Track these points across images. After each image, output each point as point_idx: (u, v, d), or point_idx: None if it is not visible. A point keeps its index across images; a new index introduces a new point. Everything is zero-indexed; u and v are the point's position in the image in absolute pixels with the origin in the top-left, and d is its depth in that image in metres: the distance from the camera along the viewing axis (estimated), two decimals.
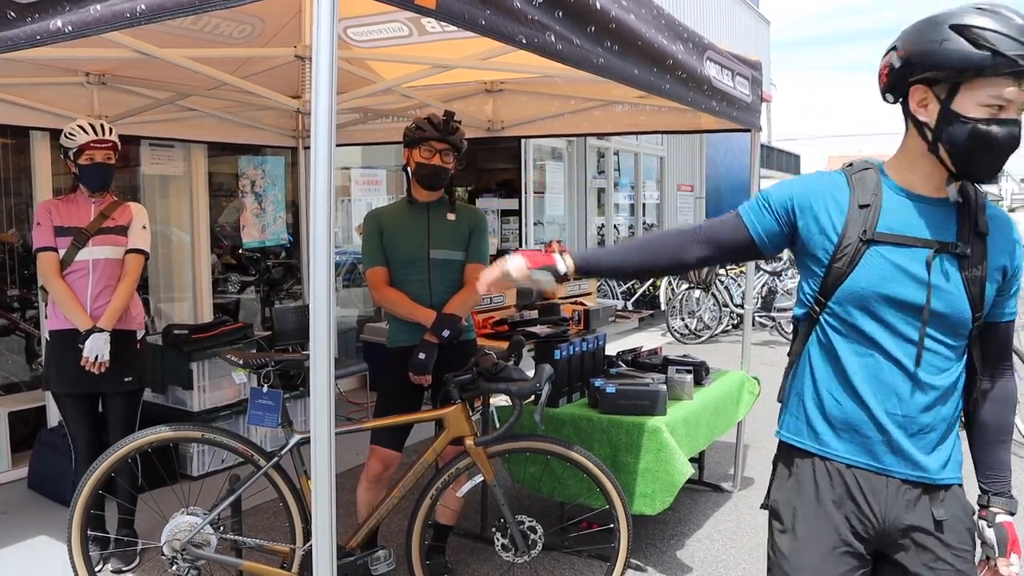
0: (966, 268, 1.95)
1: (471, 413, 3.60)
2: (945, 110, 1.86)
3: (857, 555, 2.03)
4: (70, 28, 2.50)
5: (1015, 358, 2.29)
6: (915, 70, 1.89)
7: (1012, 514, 2.00)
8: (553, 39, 2.77)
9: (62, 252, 4.14)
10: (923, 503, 2.00)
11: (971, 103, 1.84)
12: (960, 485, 2.04)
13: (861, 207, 1.99)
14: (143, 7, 2.32)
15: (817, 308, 2.05)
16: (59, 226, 4.15)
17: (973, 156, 1.87)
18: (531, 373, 3.57)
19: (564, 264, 2.28)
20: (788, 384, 2.18)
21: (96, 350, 4.05)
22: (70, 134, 4.11)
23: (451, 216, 3.98)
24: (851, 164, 2.11)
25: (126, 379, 4.25)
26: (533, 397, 3.44)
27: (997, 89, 1.81)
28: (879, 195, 1.99)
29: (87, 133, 4.09)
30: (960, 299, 1.95)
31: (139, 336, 4.37)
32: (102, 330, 4.08)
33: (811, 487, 2.07)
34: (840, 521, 2.02)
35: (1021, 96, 1.82)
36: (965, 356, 2.03)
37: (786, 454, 2.17)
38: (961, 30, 1.81)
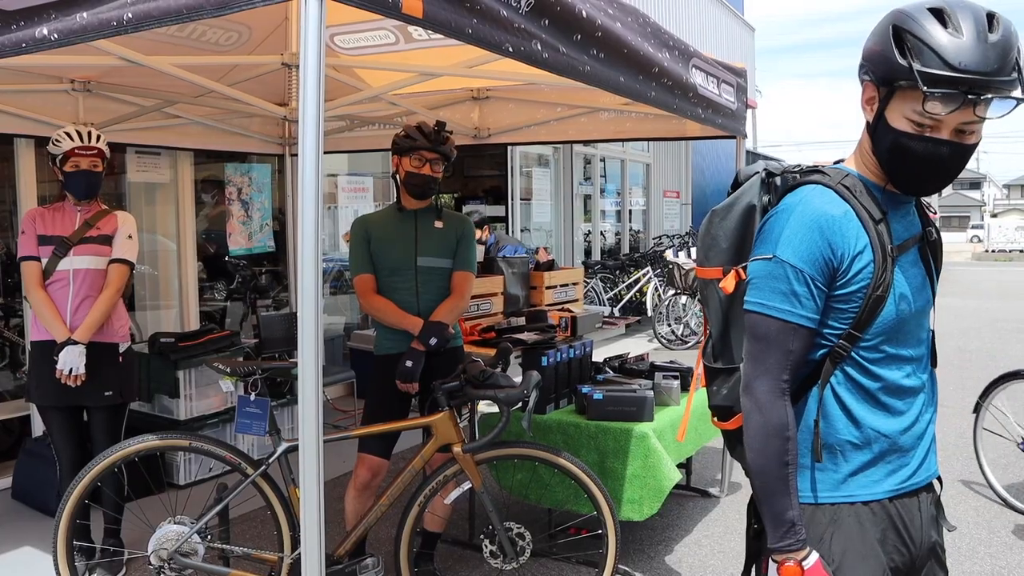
0: (928, 261, 1.90)
1: (459, 420, 3.60)
2: (879, 114, 1.76)
3: None
4: (56, 36, 2.50)
5: None
6: (864, 66, 1.79)
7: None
8: (539, 47, 2.78)
9: (44, 261, 4.09)
10: (934, 515, 1.94)
11: (898, 113, 1.72)
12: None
13: (877, 222, 1.81)
14: (130, 15, 2.32)
15: (848, 344, 1.83)
16: (42, 235, 4.11)
17: (895, 168, 1.78)
18: (519, 380, 3.58)
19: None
20: (814, 438, 1.86)
21: (70, 363, 3.97)
22: (56, 141, 4.08)
23: (439, 223, 3.99)
24: (818, 171, 1.90)
25: (107, 393, 4.18)
26: (520, 404, 3.45)
27: (924, 105, 1.67)
28: (876, 202, 1.84)
29: (72, 140, 4.06)
30: (928, 294, 1.89)
31: (122, 349, 4.29)
32: (77, 342, 4.00)
33: (856, 529, 1.86)
34: (885, 559, 1.85)
35: (959, 118, 1.67)
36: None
37: (822, 514, 1.88)
38: (898, 33, 1.69)
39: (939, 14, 1.67)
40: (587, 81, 3.16)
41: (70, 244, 4.11)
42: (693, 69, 4.18)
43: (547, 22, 2.80)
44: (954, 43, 1.63)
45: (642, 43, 3.51)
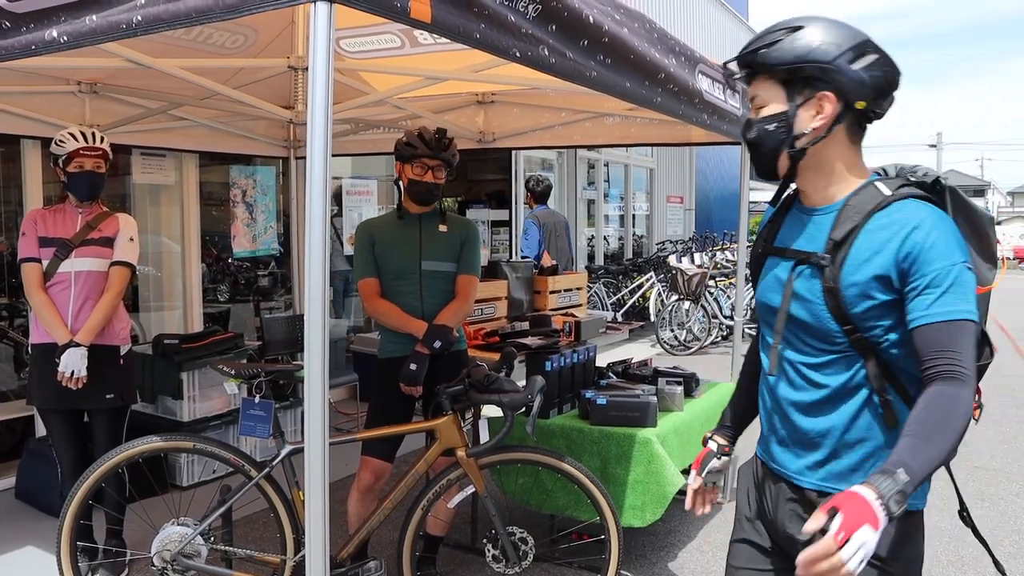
0: (824, 279, 1.93)
1: (462, 424, 3.61)
2: None
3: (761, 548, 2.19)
4: (66, 38, 2.50)
5: None
6: None
7: (873, 490, 1.65)
8: (546, 52, 2.79)
9: (45, 263, 4.08)
10: (804, 516, 1.96)
11: None
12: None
13: (769, 223, 2.16)
14: (139, 18, 2.32)
15: None
16: (44, 236, 4.10)
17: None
18: (522, 384, 3.58)
19: (714, 446, 2.45)
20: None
21: (72, 365, 3.96)
22: (60, 141, 4.08)
23: (443, 227, 4.00)
24: None
25: (108, 396, 4.17)
26: (525, 408, 3.45)
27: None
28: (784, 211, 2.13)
29: (76, 140, 4.06)
30: (820, 309, 1.94)
31: (123, 351, 4.28)
32: (79, 345, 4.00)
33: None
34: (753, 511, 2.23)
35: (753, 90, 1.99)
36: (860, 367, 1.93)
37: None
38: None
39: None
40: (593, 86, 3.16)
41: (72, 246, 4.11)
42: (699, 75, 4.18)
43: (554, 27, 2.80)
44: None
45: (648, 48, 3.51)
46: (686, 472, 4.61)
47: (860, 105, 1.89)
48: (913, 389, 1.91)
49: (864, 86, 1.87)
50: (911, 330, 1.83)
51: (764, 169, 2.01)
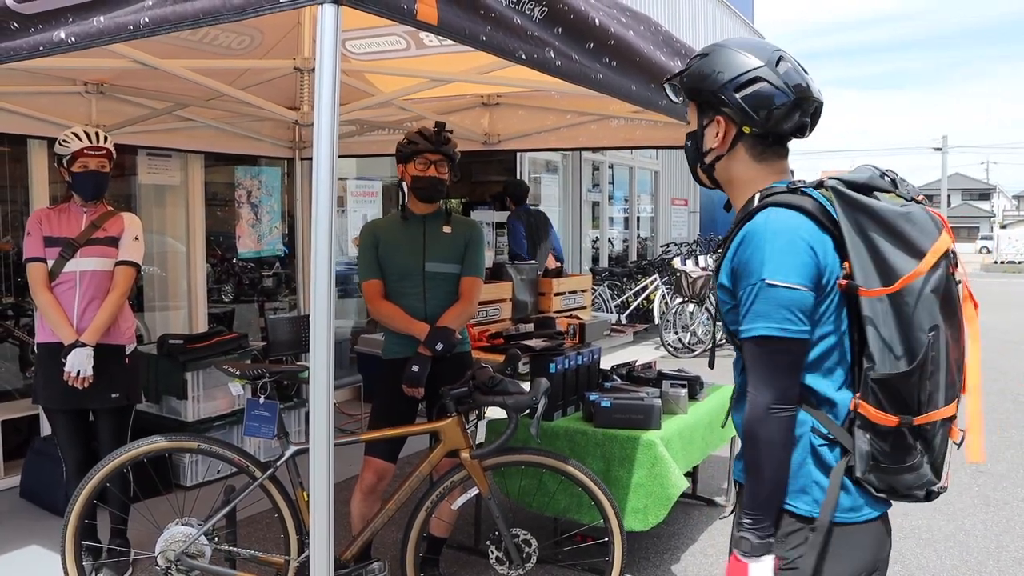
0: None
1: (466, 426, 3.61)
2: None
3: None
4: (73, 39, 2.51)
5: None
6: None
7: (736, 549, 1.92)
8: (552, 55, 2.79)
9: (51, 263, 4.09)
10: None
11: None
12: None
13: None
14: (147, 19, 2.33)
15: None
16: (49, 236, 4.11)
17: None
18: (526, 386, 3.58)
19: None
20: None
21: (78, 365, 3.97)
22: (64, 141, 4.09)
23: (447, 229, 4.00)
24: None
25: (113, 395, 4.18)
26: (529, 410, 3.45)
27: None
28: None
29: (80, 140, 4.07)
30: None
31: (128, 351, 4.29)
32: (85, 344, 4.01)
33: None
34: None
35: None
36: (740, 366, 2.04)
37: None
38: None
39: None
40: (599, 89, 3.17)
41: (77, 246, 4.12)
42: None
43: (560, 30, 2.81)
44: None
45: (654, 51, 3.51)
46: (689, 475, 4.63)
47: (747, 130, 2.00)
48: None
49: (744, 113, 1.97)
50: None
51: (694, 177, 2.19)
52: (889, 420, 1.84)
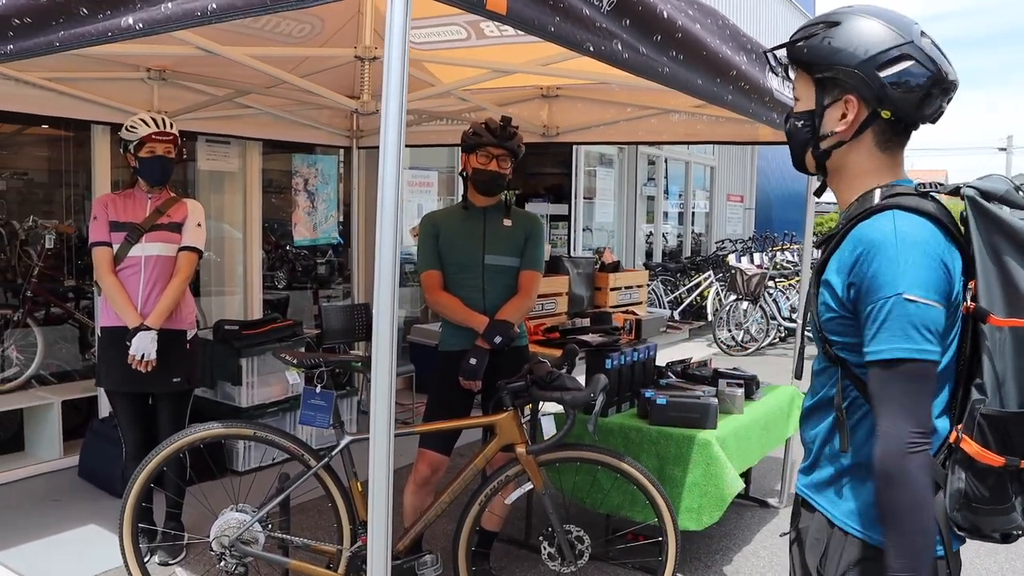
0: (812, 286, 1.87)
1: (522, 421, 3.58)
2: None
3: None
4: (141, 25, 2.51)
5: None
6: None
7: None
8: (619, 47, 2.74)
9: (116, 247, 4.14)
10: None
11: None
12: (839, 529, 1.82)
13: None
14: (214, 6, 2.32)
15: None
16: (114, 221, 4.16)
17: None
18: (582, 380, 3.54)
19: None
20: None
21: (142, 349, 4.02)
22: (131, 127, 4.13)
23: (507, 222, 3.97)
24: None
25: (175, 379, 4.23)
26: (586, 407, 3.41)
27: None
28: None
29: (148, 126, 4.11)
30: (814, 316, 1.85)
31: (189, 336, 4.34)
32: (149, 328, 4.06)
33: None
34: None
35: (795, 82, 1.90)
36: (836, 377, 1.81)
37: None
38: None
39: None
40: (665, 83, 3.11)
41: (142, 231, 4.16)
42: (769, 72, 4.11)
43: (628, 22, 2.75)
44: None
45: (721, 45, 3.45)
46: (743, 476, 4.56)
47: (885, 114, 1.76)
48: None
49: (889, 96, 1.73)
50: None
51: (796, 163, 1.94)
52: (994, 460, 1.63)
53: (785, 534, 1.93)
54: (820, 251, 1.86)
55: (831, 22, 1.78)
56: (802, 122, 1.85)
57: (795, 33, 1.87)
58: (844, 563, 1.79)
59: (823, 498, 1.86)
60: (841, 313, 1.76)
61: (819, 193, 2.06)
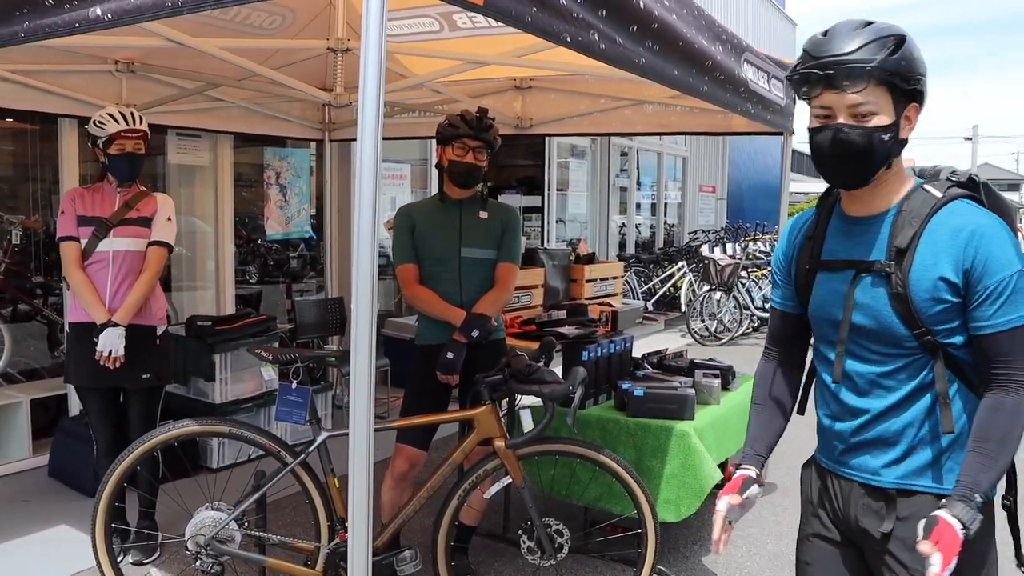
0: (890, 286, 1.95)
1: (500, 414, 3.56)
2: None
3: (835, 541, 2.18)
4: (110, 16, 2.47)
5: None
6: None
7: (958, 520, 1.81)
8: (596, 38, 2.73)
9: (84, 242, 4.07)
10: (881, 512, 2.04)
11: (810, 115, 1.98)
12: (940, 496, 1.96)
13: (808, 239, 2.14)
14: None
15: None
16: (82, 215, 4.09)
17: (820, 164, 1.97)
18: (559, 372, 3.53)
19: (753, 474, 2.26)
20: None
21: (110, 345, 3.96)
22: (99, 123, 4.06)
23: (483, 214, 3.94)
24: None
25: (144, 376, 4.17)
26: (564, 399, 3.40)
27: (817, 99, 1.92)
28: (824, 224, 2.12)
29: (118, 122, 4.03)
30: (887, 315, 1.96)
31: (159, 332, 4.27)
32: (117, 324, 3.99)
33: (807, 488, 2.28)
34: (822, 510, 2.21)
35: (839, 100, 1.88)
36: (928, 368, 1.97)
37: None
38: None
39: (829, 28, 1.94)
40: (641, 73, 3.10)
41: (110, 225, 4.09)
42: (745, 64, 4.11)
43: (604, 12, 2.74)
44: (814, 41, 1.92)
45: (696, 36, 3.44)
46: (722, 466, 4.56)
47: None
48: (981, 386, 1.96)
49: (925, 96, 1.93)
50: (973, 337, 1.91)
51: (857, 181, 1.96)
52: None
53: (888, 532, 2.00)
54: (899, 256, 1.93)
55: (899, 35, 1.86)
56: (888, 135, 1.89)
57: (868, 47, 1.85)
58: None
59: (926, 479, 1.99)
60: (954, 301, 1.90)
61: (820, 207, 2.15)
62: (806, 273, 2.12)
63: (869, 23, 1.88)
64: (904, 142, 1.94)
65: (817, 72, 1.87)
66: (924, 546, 1.78)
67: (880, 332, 1.98)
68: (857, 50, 1.85)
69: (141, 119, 4.12)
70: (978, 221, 1.89)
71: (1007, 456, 1.88)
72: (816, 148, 1.94)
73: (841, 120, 1.88)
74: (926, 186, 1.96)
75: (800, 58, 1.93)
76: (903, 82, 1.86)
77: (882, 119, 1.88)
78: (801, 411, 2.37)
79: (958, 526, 1.79)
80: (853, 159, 1.91)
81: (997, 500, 2.03)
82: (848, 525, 2.13)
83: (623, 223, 14.16)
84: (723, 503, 2.20)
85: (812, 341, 2.22)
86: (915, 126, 1.94)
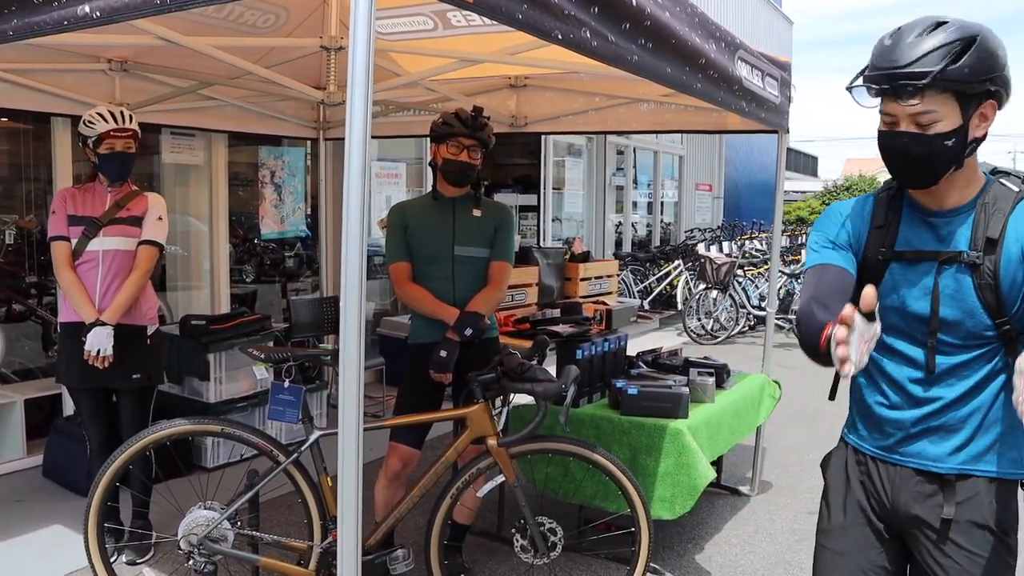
0: (978, 276, 1.98)
1: (493, 413, 3.55)
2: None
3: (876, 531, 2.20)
4: (98, 14, 2.46)
5: None
6: None
7: None
8: (588, 35, 2.72)
9: (74, 242, 4.06)
10: (936, 498, 2.08)
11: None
12: (1002, 481, 2.06)
13: (878, 228, 2.14)
14: None
15: None
16: (73, 215, 4.07)
17: (887, 165, 2.01)
18: (552, 371, 3.52)
19: None
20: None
21: (98, 344, 3.94)
22: (89, 122, 4.04)
23: (477, 212, 3.94)
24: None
25: (135, 376, 4.15)
26: (557, 398, 3.39)
27: (882, 105, 1.95)
28: (896, 214, 2.13)
29: (107, 121, 4.02)
30: (974, 306, 1.99)
31: (150, 332, 4.25)
32: (105, 324, 3.97)
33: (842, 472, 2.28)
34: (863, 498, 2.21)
35: (901, 109, 1.90)
36: (1000, 356, 2.03)
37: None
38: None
39: (896, 30, 1.95)
40: (634, 71, 3.10)
41: (100, 225, 4.07)
42: (739, 61, 4.11)
43: (596, 9, 2.73)
44: (880, 47, 1.94)
45: (690, 34, 3.44)
46: (714, 464, 4.57)
47: (1003, 107, 1.96)
48: None
49: (1011, 89, 1.94)
50: None
51: (922, 181, 2.00)
52: None
53: (948, 519, 2.04)
54: (989, 246, 1.98)
55: (967, 38, 1.86)
56: (953, 140, 1.91)
57: (929, 57, 1.86)
58: (1014, 504, 2.07)
59: (983, 464, 2.05)
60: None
61: (898, 193, 2.15)
62: (877, 262, 2.12)
63: (940, 23, 1.89)
64: (979, 140, 1.95)
65: (877, 83, 1.92)
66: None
67: (963, 323, 2.01)
68: (917, 61, 1.86)
69: (131, 118, 4.11)
70: None
71: None
72: (882, 152, 1.98)
73: (903, 127, 1.91)
74: (1003, 180, 2.03)
75: (868, 64, 1.96)
76: (968, 87, 1.87)
77: (945, 125, 1.89)
78: (832, 397, 2.38)
79: None
80: (917, 164, 1.94)
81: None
82: (896, 514, 2.14)
83: (619, 222, 14.15)
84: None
85: None
86: (992, 121, 1.95)
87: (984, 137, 1.95)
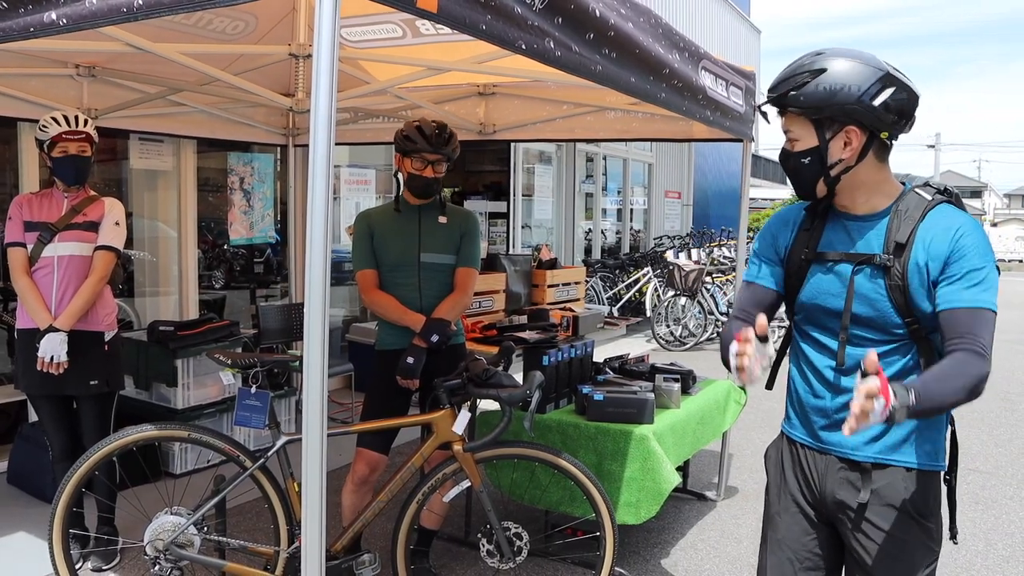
0: (889, 277, 2.15)
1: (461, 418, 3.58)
2: None
3: (808, 517, 2.37)
4: (65, 21, 2.47)
5: None
6: None
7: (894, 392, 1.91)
8: (552, 45, 2.76)
9: (30, 248, 4.03)
10: (857, 484, 2.24)
11: None
12: (921, 472, 2.22)
13: (805, 231, 2.32)
14: (140, 2, 2.29)
15: (793, 317, 2.41)
16: (29, 221, 4.05)
17: None
18: (519, 378, 3.55)
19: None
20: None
21: (51, 350, 3.91)
22: (43, 126, 4.02)
23: (442, 219, 3.96)
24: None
25: (92, 382, 4.12)
26: (522, 404, 3.42)
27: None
28: (822, 219, 2.31)
29: (59, 125, 4.00)
30: (885, 305, 2.16)
31: (108, 337, 4.22)
32: (58, 330, 3.94)
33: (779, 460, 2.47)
34: (795, 486, 2.39)
35: (785, 125, 2.20)
36: (911, 354, 2.20)
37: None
38: None
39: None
40: (598, 81, 3.14)
41: (55, 230, 4.05)
42: (703, 71, 4.16)
43: (560, 20, 2.77)
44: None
45: (653, 44, 3.49)
46: (680, 469, 4.61)
47: (884, 135, 2.12)
48: None
49: (885, 118, 2.09)
50: (940, 312, 2.09)
51: (804, 193, 2.25)
52: None
53: (864, 503, 2.21)
54: (898, 250, 2.15)
55: (816, 70, 2.09)
56: (809, 159, 2.17)
57: (781, 84, 2.16)
58: (929, 494, 2.22)
59: (898, 454, 2.21)
60: (928, 287, 2.12)
61: (812, 212, 2.33)
62: (800, 263, 2.31)
63: (818, 54, 2.13)
64: (847, 161, 2.14)
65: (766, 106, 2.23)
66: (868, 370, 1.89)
67: (875, 320, 2.18)
68: (775, 87, 2.17)
69: (86, 122, 4.09)
70: (964, 220, 2.12)
71: (952, 386, 2.01)
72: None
73: (784, 144, 2.21)
74: (917, 190, 2.20)
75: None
76: (816, 112, 2.10)
77: (803, 144, 2.17)
78: (769, 386, 2.58)
79: (890, 400, 1.89)
80: (791, 176, 2.25)
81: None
82: (824, 500, 2.31)
83: (589, 229, 14.21)
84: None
85: (795, 324, 2.41)
86: (858, 146, 2.12)
87: (856, 158, 2.14)
